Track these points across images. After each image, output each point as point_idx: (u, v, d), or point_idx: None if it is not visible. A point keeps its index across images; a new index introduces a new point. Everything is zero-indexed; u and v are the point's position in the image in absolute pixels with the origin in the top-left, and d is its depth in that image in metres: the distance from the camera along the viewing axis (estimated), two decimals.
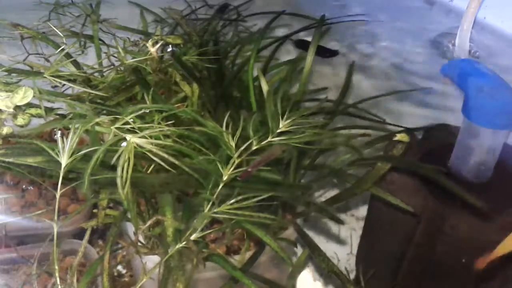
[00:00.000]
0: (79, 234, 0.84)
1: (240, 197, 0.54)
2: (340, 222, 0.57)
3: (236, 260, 0.62)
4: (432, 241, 0.69)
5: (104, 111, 0.73)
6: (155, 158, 0.53)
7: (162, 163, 0.52)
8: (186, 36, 0.82)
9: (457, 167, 0.72)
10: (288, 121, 0.62)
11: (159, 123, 0.64)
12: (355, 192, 0.66)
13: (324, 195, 0.81)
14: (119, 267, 0.88)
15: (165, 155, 0.53)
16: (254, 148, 0.59)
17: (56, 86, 0.73)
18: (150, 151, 0.53)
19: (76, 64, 0.78)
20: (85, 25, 0.86)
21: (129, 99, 0.78)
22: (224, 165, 0.57)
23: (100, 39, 0.87)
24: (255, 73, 0.80)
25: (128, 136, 0.54)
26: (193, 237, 0.54)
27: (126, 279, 0.87)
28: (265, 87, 0.76)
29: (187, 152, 0.57)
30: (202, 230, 0.56)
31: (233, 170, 0.57)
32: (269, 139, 0.60)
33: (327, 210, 0.57)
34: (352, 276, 0.89)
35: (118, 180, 0.49)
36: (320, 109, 0.74)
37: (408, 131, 0.76)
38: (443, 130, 0.81)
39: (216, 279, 0.62)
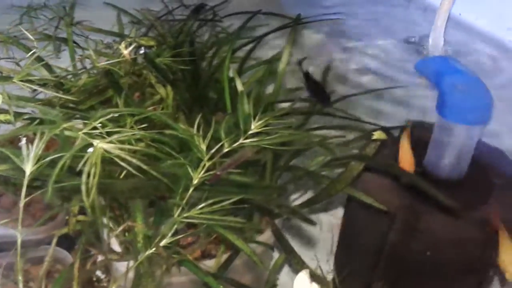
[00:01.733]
0: (59, 241, 0.83)
1: (210, 201, 0.54)
2: (312, 224, 0.56)
3: (207, 265, 0.61)
4: (407, 239, 0.69)
5: (77, 116, 0.72)
6: (122, 164, 0.52)
7: (130, 168, 0.51)
8: (161, 37, 0.81)
9: (432, 164, 0.72)
10: (260, 122, 0.61)
11: (132, 127, 0.63)
12: (330, 193, 0.66)
13: (302, 197, 0.80)
14: (98, 272, 0.87)
15: (134, 160, 0.53)
16: (225, 150, 0.58)
17: (35, 91, 0.72)
18: (118, 156, 0.53)
19: (48, 67, 0.77)
20: (58, 27, 0.85)
21: (104, 103, 0.77)
22: (194, 168, 0.56)
23: (74, 42, 0.86)
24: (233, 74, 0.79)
25: (96, 141, 0.53)
26: (163, 242, 0.54)
27: (105, 284, 0.86)
28: (240, 88, 0.75)
29: (158, 156, 0.56)
30: (175, 234, 0.55)
31: (204, 173, 0.56)
32: (240, 141, 0.59)
33: (299, 213, 0.56)
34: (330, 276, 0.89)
35: (83, 187, 0.48)
36: (293, 110, 0.74)
37: (384, 129, 0.76)
38: (419, 128, 0.81)
39: (190, 283, 0.61)
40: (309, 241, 0.97)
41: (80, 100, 0.72)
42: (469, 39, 0.78)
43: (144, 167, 0.54)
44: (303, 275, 0.63)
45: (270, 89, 0.89)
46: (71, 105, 0.72)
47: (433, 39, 0.72)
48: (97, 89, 0.72)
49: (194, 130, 0.60)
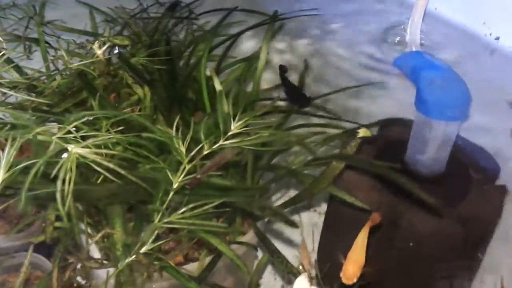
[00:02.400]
0: (39, 248, 0.81)
1: (191, 205, 0.53)
2: (294, 225, 0.56)
3: (189, 269, 0.60)
4: (390, 236, 0.69)
5: (52, 119, 0.70)
6: (98, 169, 0.50)
7: (106, 174, 0.50)
8: (135, 36, 0.79)
9: (412, 161, 0.72)
10: (240, 122, 0.60)
11: (108, 130, 0.62)
12: (312, 192, 0.65)
13: (284, 196, 0.80)
14: (79, 278, 0.85)
15: (110, 165, 0.51)
16: (205, 152, 0.57)
17: (5, 94, 0.70)
18: (94, 161, 0.51)
19: (19, 70, 0.74)
20: (28, 27, 0.82)
21: (79, 105, 0.74)
22: (174, 172, 0.55)
23: (46, 42, 0.83)
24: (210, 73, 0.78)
25: (70, 146, 0.51)
26: (143, 249, 0.53)
27: None
28: (218, 87, 0.74)
29: (136, 160, 0.55)
30: (156, 240, 0.54)
31: (184, 177, 0.55)
32: (220, 142, 0.58)
33: (281, 214, 0.56)
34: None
35: (58, 195, 0.46)
36: (273, 109, 0.73)
37: (364, 127, 0.76)
38: (398, 125, 0.81)
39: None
40: (291, 239, 0.96)
41: (53, 102, 0.70)
42: (445, 34, 0.79)
43: (121, 171, 0.53)
44: (302, 279, 0.62)
45: (250, 87, 0.88)
46: (44, 108, 0.70)
47: (410, 35, 0.72)
48: (71, 91, 0.70)
49: (173, 132, 0.58)
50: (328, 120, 0.79)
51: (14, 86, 0.71)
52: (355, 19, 0.90)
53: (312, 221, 0.97)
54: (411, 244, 0.67)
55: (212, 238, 0.55)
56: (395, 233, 0.68)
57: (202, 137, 0.59)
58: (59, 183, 0.47)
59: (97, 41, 0.72)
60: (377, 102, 0.87)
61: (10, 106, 0.66)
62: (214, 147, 0.57)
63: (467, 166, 0.73)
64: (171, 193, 0.54)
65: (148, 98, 0.72)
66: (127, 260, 0.51)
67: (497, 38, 0.73)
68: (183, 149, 0.57)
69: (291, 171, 0.66)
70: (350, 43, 0.92)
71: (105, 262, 0.54)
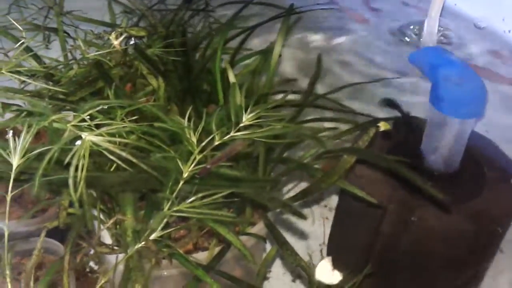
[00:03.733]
0: (53, 233, 0.83)
1: (200, 195, 0.53)
2: (303, 217, 0.56)
3: (199, 258, 0.60)
4: (400, 231, 0.68)
5: (68, 107, 0.71)
6: (111, 156, 0.51)
7: (118, 161, 0.51)
8: (152, 28, 0.80)
9: (425, 157, 0.71)
10: (252, 114, 0.60)
11: (122, 119, 0.63)
12: (323, 186, 0.65)
13: (296, 189, 0.80)
14: (92, 263, 0.87)
15: (123, 153, 0.52)
16: (216, 143, 0.58)
17: (24, 82, 0.71)
18: (107, 149, 0.52)
19: (37, 58, 0.76)
20: (48, 17, 0.83)
21: (95, 94, 0.76)
22: (184, 161, 0.55)
23: (65, 32, 0.85)
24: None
25: (84, 134, 0.52)
26: (152, 236, 0.53)
27: (99, 274, 0.86)
28: (232, 80, 0.75)
29: (148, 149, 0.55)
30: (166, 228, 0.55)
31: (194, 167, 0.55)
32: (231, 133, 0.58)
33: (290, 206, 0.56)
34: None
35: (70, 181, 0.47)
36: (285, 102, 0.73)
37: (377, 121, 0.75)
38: (414, 121, 0.80)
39: (180, 276, 0.61)
40: (302, 231, 0.97)
41: (70, 91, 0.72)
42: (464, 30, 0.77)
43: (133, 160, 0.53)
44: (325, 263, 0.62)
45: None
46: (61, 96, 0.71)
47: (427, 30, 0.71)
48: (87, 80, 0.71)
49: (185, 123, 0.59)
50: (343, 114, 0.79)
51: (32, 75, 0.73)
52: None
53: (323, 215, 0.97)
54: (419, 240, 0.67)
55: (220, 227, 0.56)
56: (406, 227, 0.67)
57: (214, 128, 0.59)
58: (71, 169, 0.48)
59: (114, 32, 0.72)
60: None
61: (28, 94, 0.68)
62: (225, 138, 0.58)
63: (482, 164, 0.72)
64: (181, 182, 0.54)
65: (162, 89, 0.72)
66: (136, 246, 0.52)
67: None
68: (194, 140, 0.57)
69: (301, 164, 0.66)
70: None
71: (115, 248, 0.55)
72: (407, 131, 0.78)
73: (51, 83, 0.74)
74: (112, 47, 0.72)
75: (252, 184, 0.58)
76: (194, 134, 0.58)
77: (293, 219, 1.00)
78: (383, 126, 0.64)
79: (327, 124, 0.79)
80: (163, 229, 0.54)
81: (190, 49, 0.85)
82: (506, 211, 0.66)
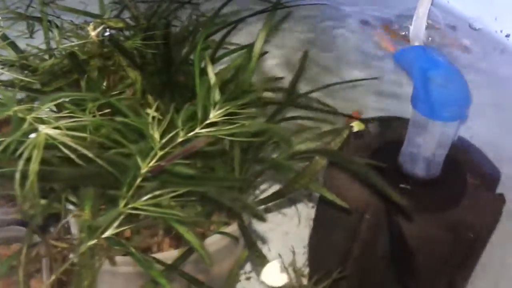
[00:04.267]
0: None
1: (157, 192, 0.52)
2: (263, 220, 0.54)
3: (161, 257, 0.59)
4: (376, 237, 0.66)
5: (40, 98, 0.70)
6: (65, 150, 0.50)
7: (72, 156, 0.50)
8: (134, 19, 0.79)
9: (406, 162, 0.69)
10: (220, 111, 0.58)
11: (93, 112, 0.62)
12: (294, 188, 0.63)
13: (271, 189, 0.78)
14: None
15: (79, 147, 0.51)
16: (180, 139, 0.56)
17: None
18: (63, 143, 0.51)
19: (15, 47, 0.75)
20: (32, 6, 0.83)
21: (75, 85, 0.75)
22: (145, 158, 0.54)
23: (49, 22, 0.84)
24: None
25: (42, 127, 0.51)
26: (106, 233, 0.52)
27: None
28: (211, 75, 0.73)
29: (108, 144, 0.54)
30: (123, 225, 0.53)
31: (154, 163, 0.54)
32: (196, 130, 0.57)
33: (251, 207, 0.54)
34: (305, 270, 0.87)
35: (17, 174, 0.46)
36: (267, 100, 0.71)
37: (362, 122, 0.73)
38: (399, 123, 0.77)
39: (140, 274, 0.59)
40: (286, 232, 0.95)
41: (44, 82, 0.71)
42: (455, 28, 0.74)
43: (90, 154, 0.52)
44: (273, 265, 0.60)
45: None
46: (35, 87, 0.70)
47: (414, 28, 0.68)
48: (62, 71, 0.70)
49: (150, 118, 0.57)
50: (326, 114, 0.76)
51: (9, 64, 0.72)
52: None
53: (309, 216, 0.95)
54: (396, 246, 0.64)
55: (179, 226, 0.54)
56: (380, 234, 0.65)
57: (180, 124, 0.58)
58: (20, 162, 0.47)
59: (92, 23, 0.71)
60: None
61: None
62: (190, 134, 0.56)
63: (465, 170, 0.69)
64: (139, 179, 0.53)
65: (139, 82, 0.71)
66: (88, 243, 0.51)
67: (508, 36, 0.68)
68: (157, 136, 0.56)
69: (274, 164, 0.64)
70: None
71: (69, 244, 0.54)
72: (392, 133, 0.75)
73: (28, 73, 0.73)
74: (90, 38, 0.70)
75: (216, 183, 0.56)
76: (158, 130, 0.56)
77: (279, 219, 0.98)
78: (357, 127, 0.62)
79: (310, 124, 0.76)
80: (119, 226, 0.53)
81: (173, 43, 0.83)
82: (486, 221, 0.63)
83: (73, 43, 0.68)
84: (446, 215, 0.63)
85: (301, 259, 0.89)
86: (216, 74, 0.83)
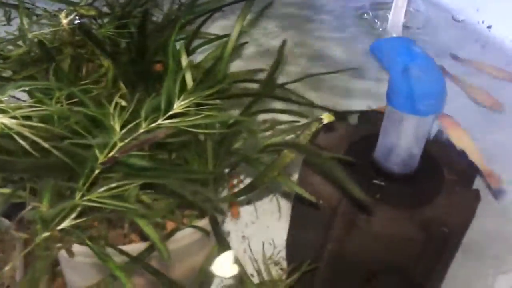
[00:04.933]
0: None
1: (113, 185, 0.50)
2: (222, 213, 0.53)
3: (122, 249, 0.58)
4: (346, 234, 0.64)
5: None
6: (20, 141, 0.49)
7: (26, 146, 0.49)
8: (109, 7, 0.77)
9: (381, 157, 0.67)
10: (183, 102, 0.57)
11: (60, 102, 0.60)
12: (263, 181, 0.62)
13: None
14: None
15: (35, 138, 0.50)
16: (141, 130, 0.54)
17: None
18: (19, 133, 0.50)
19: None
20: None
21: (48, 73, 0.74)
22: (103, 149, 0.52)
23: (28, 9, 0.82)
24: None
25: None
26: (63, 225, 0.51)
27: None
28: (184, 64, 0.71)
29: (65, 135, 0.53)
30: (80, 216, 0.52)
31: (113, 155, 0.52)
32: (159, 121, 0.55)
33: (211, 201, 0.53)
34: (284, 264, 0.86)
35: None
36: (244, 92, 0.69)
37: (339, 115, 0.71)
38: (379, 116, 0.75)
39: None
40: (268, 225, 0.93)
41: (16, 70, 0.70)
42: (435, 19, 0.72)
43: (46, 145, 0.51)
44: (226, 256, 0.59)
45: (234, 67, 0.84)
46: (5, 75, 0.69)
47: (392, 18, 0.66)
48: (32, 59, 0.69)
49: (112, 109, 0.56)
50: (303, 106, 0.74)
51: None
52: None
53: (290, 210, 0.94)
54: (366, 245, 0.62)
55: (140, 219, 0.53)
56: (351, 232, 0.63)
57: (143, 114, 0.56)
58: None
59: (64, 10, 0.70)
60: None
61: None
62: (152, 125, 0.55)
63: (442, 167, 0.67)
64: (96, 171, 0.52)
65: (111, 72, 0.70)
66: (43, 235, 0.50)
67: (489, 27, 0.66)
68: (117, 126, 0.54)
69: (244, 157, 0.63)
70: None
71: (23, 235, 0.53)
72: (370, 127, 0.73)
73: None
74: (61, 26, 0.69)
75: (178, 175, 0.55)
76: (119, 121, 0.55)
77: (260, 213, 0.97)
78: (326, 118, 0.60)
79: (286, 117, 0.75)
80: (77, 218, 0.52)
81: (152, 32, 0.82)
82: (461, 219, 0.61)
83: (42, 31, 0.67)
84: (419, 212, 0.62)
85: (282, 253, 0.88)
86: (196, 65, 0.82)
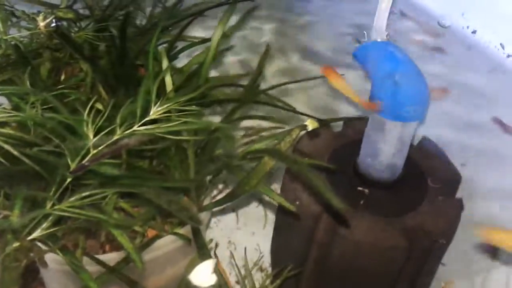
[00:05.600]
0: None
1: (84, 194, 0.49)
2: (199, 223, 0.51)
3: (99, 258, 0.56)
4: (329, 243, 0.63)
5: None
6: None
7: None
8: (89, 9, 0.76)
9: (364, 164, 0.66)
10: (159, 108, 0.55)
11: (34, 107, 0.59)
12: (244, 190, 0.60)
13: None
14: None
15: (6, 146, 0.48)
16: (116, 137, 0.53)
17: None
18: None
19: None
20: None
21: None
22: (75, 157, 0.51)
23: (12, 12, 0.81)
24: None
25: None
26: (34, 234, 0.50)
27: None
28: (165, 68, 0.70)
29: (35, 141, 0.51)
30: (54, 225, 0.51)
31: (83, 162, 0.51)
32: (134, 127, 0.54)
33: (187, 210, 0.51)
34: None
35: None
36: (226, 97, 0.68)
37: (323, 122, 0.70)
38: (354, 123, 0.74)
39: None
40: (254, 231, 0.92)
41: None
42: (421, 24, 0.71)
43: (15, 153, 0.50)
44: (208, 264, 0.57)
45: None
46: None
47: (376, 23, 0.65)
48: (8, 63, 0.67)
49: (85, 115, 0.54)
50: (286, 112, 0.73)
51: None
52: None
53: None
54: (349, 253, 0.61)
55: (113, 229, 0.52)
56: (334, 239, 0.62)
57: (118, 120, 0.55)
58: None
59: (41, 13, 0.68)
60: None
61: None
62: (127, 132, 0.53)
63: (426, 175, 0.66)
64: (69, 179, 0.50)
65: (89, 76, 0.68)
66: (13, 245, 0.48)
67: (474, 32, 0.65)
68: (90, 133, 0.53)
69: (226, 164, 0.61)
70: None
71: None
72: (354, 133, 0.72)
73: None
74: (38, 29, 0.67)
75: (154, 183, 0.53)
76: (92, 127, 0.53)
77: (247, 219, 0.95)
78: (310, 125, 0.58)
79: (269, 124, 0.73)
80: (49, 227, 0.51)
81: (134, 35, 0.81)
82: (444, 227, 0.60)
83: (20, 34, 0.65)
84: (402, 220, 0.60)
85: (268, 259, 0.87)
86: (179, 70, 0.81)
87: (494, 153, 0.73)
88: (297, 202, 0.64)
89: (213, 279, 0.52)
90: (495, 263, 0.72)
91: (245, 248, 0.74)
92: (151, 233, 0.69)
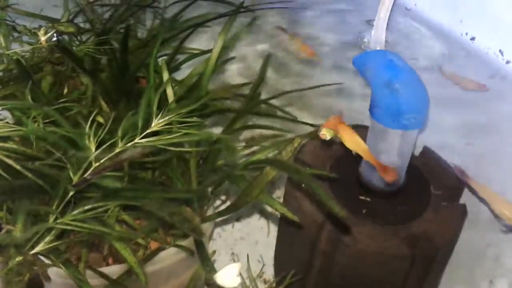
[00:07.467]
0: None
1: (87, 207, 0.49)
2: (201, 235, 0.51)
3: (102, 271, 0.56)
4: (333, 251, 0.63)
5: None
6: None
7: None
8: (90, 23, 0.76)
9: (367, 172, 0.66)
10: (161, 120, 0.56)
11: (36, 121, 0.59)
12: (246, 200, 0.60)
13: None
14: None
15: (6, 159, 0.49)
16: (118, 150, 0.53)
17: None
18: None
19: None
20: None
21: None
22: (77, 170, 0.51)
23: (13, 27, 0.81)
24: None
25: None
26: (37, 249, 0.50)
27: None
28: (165, 79, 0.70)
29: (37, 155, 0.51)
30: (57, 239, 0.51)
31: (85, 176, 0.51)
32: (136, 140, 0.54)
33: (189, 221, 0.51)
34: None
35: None
36: (226, 108, 0.68)
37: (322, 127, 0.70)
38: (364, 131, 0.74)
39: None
40: (257, 241, 0.92)
41: None
42: (419, 31, 0.71)
43: (17, 167, 0.50)
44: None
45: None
46: None
47: (375, 32, 0.65)
48: (10, 78, 0.67)
49: (87, 128, 0.55)
50: (287, 121, 0.73)
51: None
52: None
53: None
54: (352, 261, 0.61)
55: (116, 242, 0.52)
56: (337, 248, 0.62)
57: (120, 133, 0.55)
58: None
59: (42, 28, 0.69)
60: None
61: None
62: (128, 144, 0.53)
63: (428, 181, 0.66)
64: (71, 192, 0.50)
65: (90, 89, 0.68)
66: (16, 260, 0.48)
67: (473, 39, 0.65)
68: (92, 146, 0.53)
69: (227, 175, 0.61)
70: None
71: None
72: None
73: None
74: (39, 43, 0.68)
75: (156, 195, 0.53)
76: (94, 140, 0.54)
77: (249, 229, 0.95)
78: (328, 134, 0.57)
79: (272, 133, 0.74)
80: (52, 241, 0.51)
81: (135, 48, 0.81)
82: (447, 234, 0.60)
83: (22, 49, 0.66)
84: (406, 228, 0.60)
85: (270, 269, 0.86)
86: (180, 81, 0.81)
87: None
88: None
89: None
90: (499, 269, 0.71)
91: (247, 255, 0.73)
92: (153, 245, 0.69)
